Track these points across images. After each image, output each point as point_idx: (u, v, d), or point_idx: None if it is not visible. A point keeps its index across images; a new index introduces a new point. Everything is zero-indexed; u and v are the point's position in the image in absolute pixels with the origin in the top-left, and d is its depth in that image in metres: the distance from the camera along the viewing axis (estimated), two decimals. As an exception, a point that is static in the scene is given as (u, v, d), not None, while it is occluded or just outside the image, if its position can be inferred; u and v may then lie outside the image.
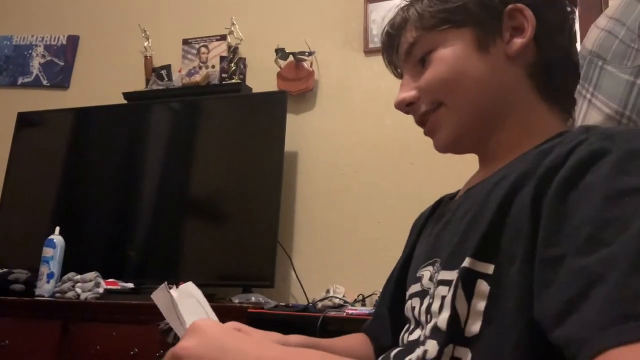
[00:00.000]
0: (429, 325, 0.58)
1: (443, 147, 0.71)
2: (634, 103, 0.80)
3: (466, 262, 0.55)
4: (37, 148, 2.55)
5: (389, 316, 0.80)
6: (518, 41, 0.66)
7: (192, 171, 2.30)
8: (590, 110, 0.85)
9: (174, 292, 0.66)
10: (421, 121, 0.72)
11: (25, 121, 2.60)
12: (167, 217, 2.26)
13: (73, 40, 2.88)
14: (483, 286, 0.54)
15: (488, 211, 0.56)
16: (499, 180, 0.59)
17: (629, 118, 0.80)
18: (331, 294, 1.90)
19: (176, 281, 0.80)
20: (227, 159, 2.23)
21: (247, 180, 2.17)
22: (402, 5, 0.73)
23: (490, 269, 0.54)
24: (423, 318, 0.63)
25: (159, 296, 0.65)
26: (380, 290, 2.07)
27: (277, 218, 2.04)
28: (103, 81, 2.71)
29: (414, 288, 0.68)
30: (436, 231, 0.70)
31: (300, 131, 2.29)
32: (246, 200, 2.15)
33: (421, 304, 0.65)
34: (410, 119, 0.73)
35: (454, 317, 0.55)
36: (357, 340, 0.86)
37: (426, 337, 0.58)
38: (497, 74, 0.66)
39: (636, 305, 0.40)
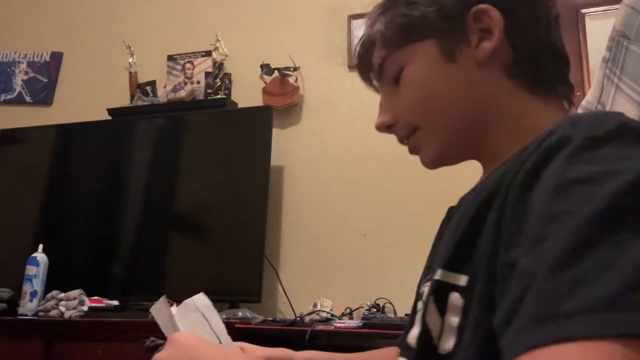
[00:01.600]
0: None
1: (430, 165, 0.68)
2: None
3: (437, 274, 0.52)
4: (20, 165, 2.52)
5: None
6: (486, 45, 0.61)
7: (178, 187, 2.29)
8: (618, 97, 0.78)
9: (173, 309, 0.66)
10: (403, 141, 0.69)
11: (8, 138, 2.57)
12: (153, 234, 2.25)
13: (56, 57, 2.86)
14: (456, 299, 0.50)
15: (466, 219, 0.53)
16: (485, 185, 0.56)
17: None
18: (318, 307, 1.89)
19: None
20: (213, 174, 2.23)
21: (234, 195, 2.17)
22: (368, 21, 0.69)
23: (462, 280, 0.50)
24: None
25: (157, 309, 0.66)
26: (367, 302, 2.06)
27: (264, 233, 2.04)
28: (87, 97, 2.69)
29: (419, 305, 0.66)
30: (435, 242, 0.69)
31: (286, 145, 2.29)
32: (232, 216, 2.14)
33: None
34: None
35: (424, 334, 0.52)
36: (388, 354, 0.81)
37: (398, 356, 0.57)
38: (471, 83, 0.62)
39: (553, 305, 0.36)
